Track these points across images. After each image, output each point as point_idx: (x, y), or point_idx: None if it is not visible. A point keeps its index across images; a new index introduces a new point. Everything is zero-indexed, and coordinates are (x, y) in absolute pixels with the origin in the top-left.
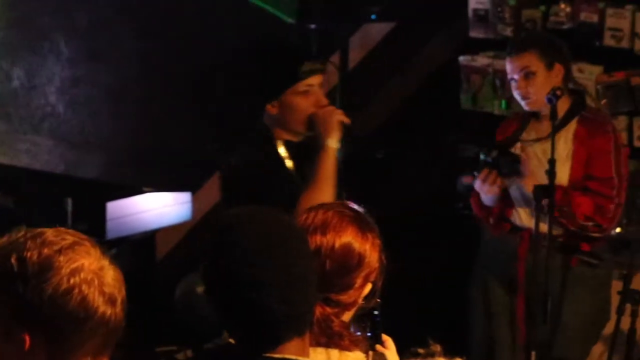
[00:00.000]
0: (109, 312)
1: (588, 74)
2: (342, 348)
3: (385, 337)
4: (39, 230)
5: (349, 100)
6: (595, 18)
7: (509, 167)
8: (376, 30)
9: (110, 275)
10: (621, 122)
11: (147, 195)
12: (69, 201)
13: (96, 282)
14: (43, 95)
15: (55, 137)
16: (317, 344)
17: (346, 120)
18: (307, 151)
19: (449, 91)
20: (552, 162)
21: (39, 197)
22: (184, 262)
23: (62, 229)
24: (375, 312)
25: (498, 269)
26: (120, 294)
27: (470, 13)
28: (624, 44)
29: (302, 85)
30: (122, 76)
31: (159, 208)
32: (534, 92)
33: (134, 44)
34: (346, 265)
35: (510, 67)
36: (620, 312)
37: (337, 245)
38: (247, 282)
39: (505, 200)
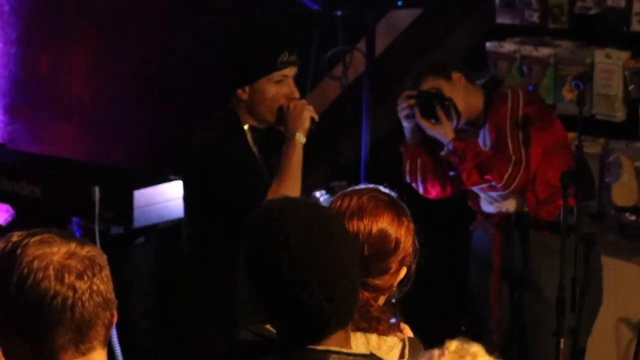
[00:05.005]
0: (70, 298)
1: (615, 59)
2: (380, 333)
3: (403, 325)
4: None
5: (375, 87)
6: (622, 3)
7: (430, 106)
8: (403, 16)
9: (77, 265)
10: None
11: (173, 183)
12: (97, 189)
13: (55, 268)
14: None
15: (83, 125)
16: (357, 329)
17: (316, 116)
18: (272, 140)
19: None
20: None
21: (66, 186)
22: None
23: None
24: (393, 300)
25: (482, 256)
26: (89, 283)
27: None
28: None
29: (277, 75)
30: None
31: None
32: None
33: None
34: (383, 250)
35: None
36: None
37: (374, 230)
38: (292, 281)
39: (472, 192)
